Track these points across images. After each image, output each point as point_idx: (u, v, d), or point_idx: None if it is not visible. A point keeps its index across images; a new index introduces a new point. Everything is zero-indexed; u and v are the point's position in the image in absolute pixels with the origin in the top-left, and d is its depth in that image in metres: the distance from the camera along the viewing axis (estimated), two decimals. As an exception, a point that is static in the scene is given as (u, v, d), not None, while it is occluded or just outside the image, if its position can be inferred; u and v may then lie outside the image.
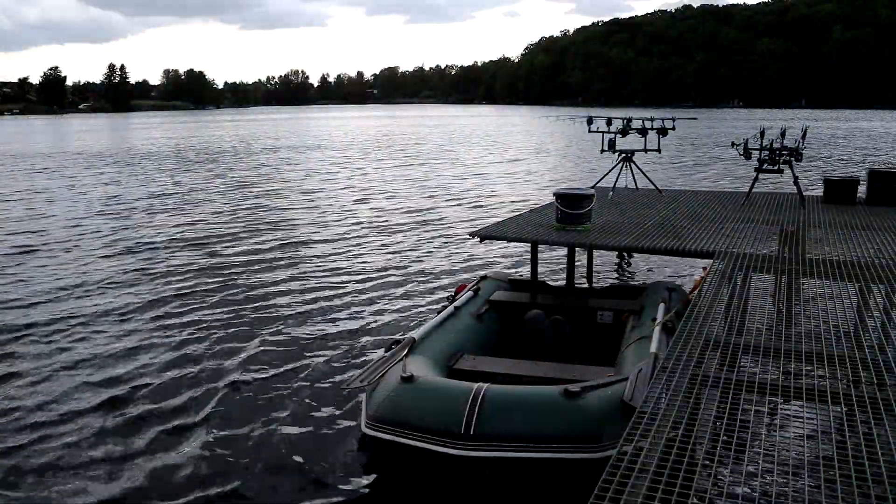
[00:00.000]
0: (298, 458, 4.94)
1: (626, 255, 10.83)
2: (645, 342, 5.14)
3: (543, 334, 6.22)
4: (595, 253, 9.74)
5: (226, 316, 8.25)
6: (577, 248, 8.79)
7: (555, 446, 3.97)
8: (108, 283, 9.75)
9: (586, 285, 8.79)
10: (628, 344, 5.43)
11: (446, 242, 12.53)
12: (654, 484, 2.40)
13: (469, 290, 6.70)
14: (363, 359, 6.75)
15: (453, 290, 7.70)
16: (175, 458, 4.96)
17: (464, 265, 10.75)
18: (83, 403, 5.90)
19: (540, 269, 8.34)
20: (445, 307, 6.31)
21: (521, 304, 6.57)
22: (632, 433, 2.74)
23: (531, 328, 6.26)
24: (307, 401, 5.89)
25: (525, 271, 9.95)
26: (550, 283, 7.73)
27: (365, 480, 4.67)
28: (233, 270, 10.49)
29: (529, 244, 7.75)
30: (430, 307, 8.41)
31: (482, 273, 7.73)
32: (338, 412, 5.65)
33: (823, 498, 2.35)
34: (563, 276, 9.58)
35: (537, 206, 9.70)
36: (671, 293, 6.40)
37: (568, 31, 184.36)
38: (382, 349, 5.73)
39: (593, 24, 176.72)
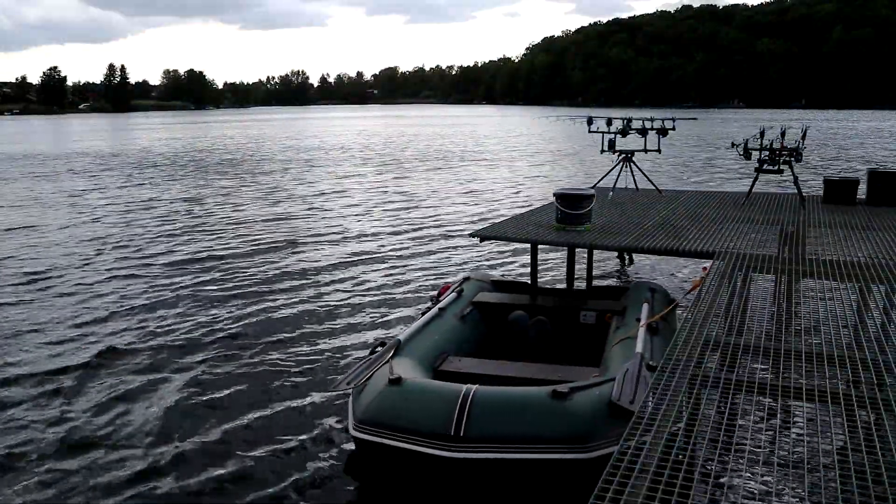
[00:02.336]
0: (285, 461, 4.90)
1: (625, 255, 10.83)
2: (630, 342, 5.15)
3: (526, 335, 6.22)
4: (595, 253, 9.73)
5: (207, 314, 8.20)
6: (576, 249, 8.80)
7: (543, 447, 3.97)
8: (101, 278, 9.77)
9: (570, 286, 8.82)
10: (613, 344, 5.43)
11: (439, 243, 12.52)
12: (654, 484, 2.40)
13: (452, 292, 6.67)
14: (349, 360, 6.71)
15: (437, 291, 7.65)
16: (158, 464, 4.90)
17: (458, 265, 10.74)
18: (71, 394, 5.95)
19: (539, 270, 8.33)
20: (430, 308, 6.27)
21: (505, 305, 6.57)
22: (632, 433, 2.74)
23: (514, 329, 6.27)
24: (292, 403, 5.83)
25: (511, 272, 9.96)
26: (532, 283, 7.74)
27: (353, 483, 4.64)
28: (222, 269, 10.50)
29: (529, 244, 7.74)
30: (417, 308, 8.35)
31: (465, 274, 7.70)
32: (324, 414, 5.59)
33: (823, 498, 2.35)
34: (563, 276, 9.61)
35: (537, 206, 9.69)
36: (654, 293, 6.43)
37: (568, 31, 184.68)
38: (367, 351, 5.69)
39: (593, 24, 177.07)
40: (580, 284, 8.49)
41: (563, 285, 7.96)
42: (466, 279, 7.17)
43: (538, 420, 4.05)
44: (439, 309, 6.09)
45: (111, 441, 5.25)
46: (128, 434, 5.37)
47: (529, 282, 7.68)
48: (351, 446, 4.83)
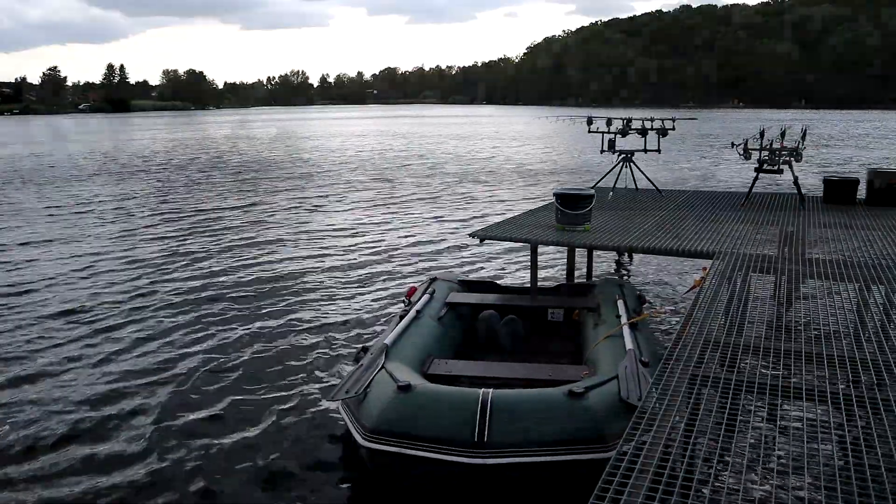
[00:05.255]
0: (287, 480, 4.70)
1: (626, 255, 10.84)
2: (616, 340, 5.19)
3: (499, 334, 6.27)
4: (595, 253, 9.75)
5: (183, 326, 7.93)
6: (576, 249, 8.81)
7: (566, 448, 3.95)
8: (92, 283, 9.77)
9: (570, 280, 8.88)
10: (597, 342, 5.43)
11: (435, 243, 12.52)
12: (655, 484, 2.40)
13: (425, 293, 6.63)
14: (338, 363, 6.63)
15: (404, 292, 7.55)
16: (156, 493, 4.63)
17: (457, 265, 10.74)
18: (69, 412, 5.81)
19: (539, 270, 8.32)
20: (406, 311, 6.18)
21: (478, 305, 6.62)
22: (632, 433, 2.74)
23: (486, 328, 6.32)
24: (278, 418, 5.54)
25: (511, 273, 9.96)
26: (499, 282, 7.78)
27: (366, 496, 4.48)
28: (213, 270, 10.48)
29: (529, 245, 7.75)
30: (385, 311, 8.29)
31: (432, 274, 7.64)
32: (316, 426, 5.39)
33: (823, 498, 2.35)
34: (563, 276, 9.60)
35: (537, 206, 9.68)
36: (623, 289, 6.50)
37: (568, 31, 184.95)
38: (350, 357, 5.57)
39: (593, 24, 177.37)
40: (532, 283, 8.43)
41: (521, 283, 7.91)
42: (434, 279, 7.17)
43: (558, 421, 4.03)
44: (416, 311, 6.04)
45: (109, 451, 5.12)
46: (117, 449, 5.13)
47: (499, 281, 7.73)
48: (361, 457, 4.56)
